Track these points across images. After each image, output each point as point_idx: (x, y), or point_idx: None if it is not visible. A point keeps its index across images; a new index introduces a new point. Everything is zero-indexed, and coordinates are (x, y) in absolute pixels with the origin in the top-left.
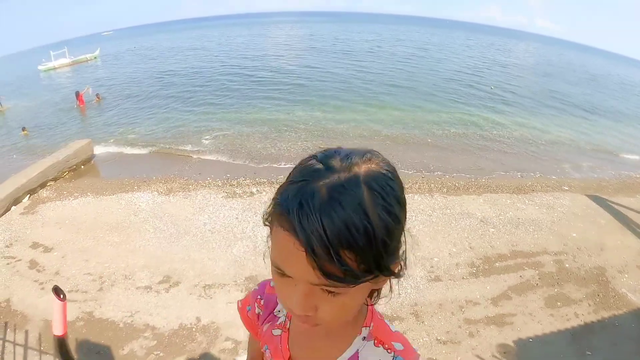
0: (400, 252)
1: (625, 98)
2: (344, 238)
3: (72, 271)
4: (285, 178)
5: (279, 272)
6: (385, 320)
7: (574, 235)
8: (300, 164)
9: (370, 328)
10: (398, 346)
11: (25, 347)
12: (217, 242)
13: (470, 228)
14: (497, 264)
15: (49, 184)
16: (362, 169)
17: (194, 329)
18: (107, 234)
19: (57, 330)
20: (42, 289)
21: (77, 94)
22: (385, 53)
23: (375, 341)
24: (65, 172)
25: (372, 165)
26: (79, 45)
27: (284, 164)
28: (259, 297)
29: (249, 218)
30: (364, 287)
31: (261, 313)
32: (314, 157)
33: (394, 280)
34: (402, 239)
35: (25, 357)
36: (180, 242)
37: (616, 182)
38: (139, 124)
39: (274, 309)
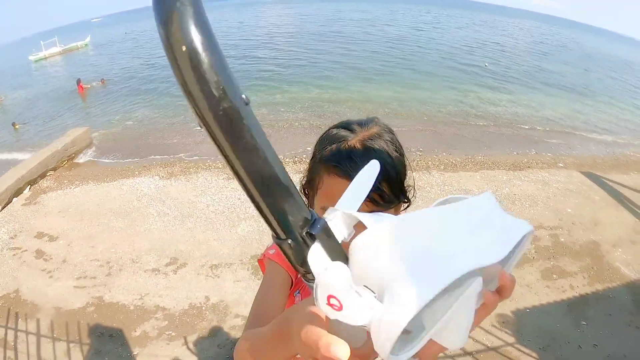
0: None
1: (622, 79)
2: (382, 173)
3: (79, 258)
4: (315, 149)
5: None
6: None
7: (569, 210)
8: (326, 133)
9: None
10: None
11: (38, 335)
12: (221, 223)
13: None
14: None
15: (49, 173)
16: (375, 129)
17: (203, 308)
18: (111, 220)
19: None
20: (51, 277)
21: (78, 82)
22: (378, 32)
23: None
24: (65, 161)
25: (381, 125)
26: (68, 34)
27: (282, 144)
28: None
29: None
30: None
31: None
32: (335, 127)
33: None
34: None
35: (39, 345)
36: (185, 225)
37: (610, 159)
38: (136, 110)
39: None
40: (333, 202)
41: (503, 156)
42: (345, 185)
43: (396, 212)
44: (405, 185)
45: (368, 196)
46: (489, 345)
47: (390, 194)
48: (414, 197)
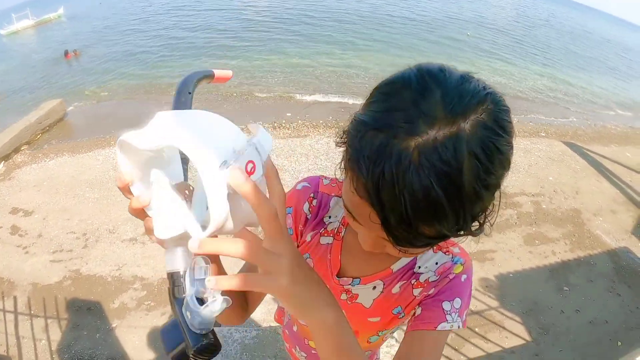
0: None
1: (606, 55)
2: (428, 215)
3: (55, 232)
4: (367, 102)
5: (349, 214)
6: None
7: (551, 178)
8: (386, 87)
9: None
10: (455, 250)
11: (15, 313)
12: None
13: None
14: None
15: (22, 148)
16: (469, 122)
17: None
18: (87, 191)
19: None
20: (26, 253)
21: (66, 53)
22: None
23: (435, 247)
24: (39, 134)
25: (483, 116)
26: (41, 5)
27: (259, 108)
28: (311, 195)
29: None
30: None
31: (309, 216)
32: (407, 81)
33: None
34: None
35: (17, 323)
36: None
37: (591, 131)
38: (111, 81)
39: (323, 213)
40: (354, 213)
41: None
42: (364, 209)
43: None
44: (477, 217)
45: (394, 237)
46: (472, 309)
47: (433, 236)
48: (480, 227)
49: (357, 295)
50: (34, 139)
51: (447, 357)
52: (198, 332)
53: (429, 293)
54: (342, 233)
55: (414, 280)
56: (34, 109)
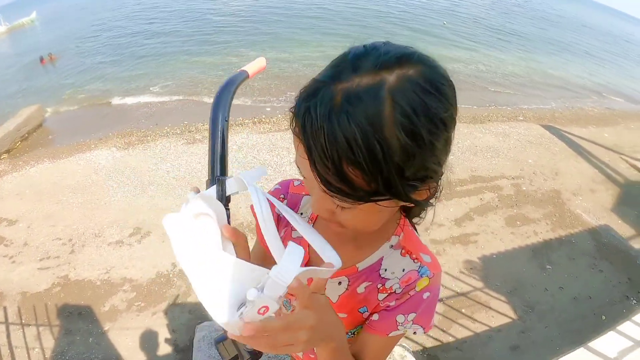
0: (432, 178)
1: (582, 40)
2: (345, 153)
3: (40, 239)
4: None
5: (299, 171)
6: (416, 233)
7: (530, 161)
8: (334, 60)
9: (400, 238)
10: (426, 258)
11: (7, 323)
12: (183, 189)
13: None
14: (458, 188)
15: (2, 157)
16: (394, 75)
17: (171, 275)
18: (71, 196)
19: None
20: (13, 262)
21: (41, 59)
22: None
23: (403, 250)
24: (18, 142)
25: (409, 72)
26: (12, 10)
27: (239, 105)
28: (281, 196)
29: None
30: (383, 207)
31: (281, 215)
32: (346, 53)
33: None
34: (438, 165)
35: (9, 334)
36: (146, 193)
37: (569, 113)
38: (88, 83)
39: (295, 211)
40: (297, 162)
41: (463, 110)
42: (300, 146)
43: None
44: (417, 178)
45: (322, 178)
46: (458, 291)
47: (365, 185)
48: (433, 197)
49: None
50: (14, 147)
51: (436, 339)
52: (250, 349)
53: (390, 304)
54: (311, 225)
55: (380, 284)
56: (11, 116)
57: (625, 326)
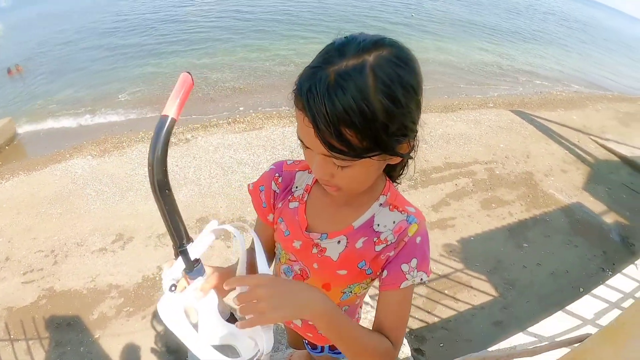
0: (410, 135)
1: (548, 27)
2: (343, 118)
3: (22, 253)
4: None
5: (302, 144)
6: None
7: (502, 145)
8: (321, 50)
9: (387, 196)
10: (411, 209)
11: None
12: None
13: None
14: (433, 175)
15: None
16: (372, 55)
17: (157, 278)
18: (49, 207)
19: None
20: None
21: (9, 70)
22: None
23: (391, 206)
24: None
25: (384, 53)
26: None
27: (212, 107)
28: (276, 175)
29: (188, 163)
30: (373, 162)
31: (278, 191)
32: (332, 43)
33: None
34: (413, 123)
35: None
36: (125, 199)
37: (537, 98)
38: (58, 91)
39: (290, 186)
40: (301, 134)
41: (434, 100)
42: (303, 120)
43: (391, 162)
44: (398, 134)
45: (325, 141)
46: (439, 273)
47: (359, 143)
48: (413, 150)
49: (326, 249)
50: None
51: (421, 320)
52: None
53: (390, 255)
54: (306, 198)
55: (375, 238)
56: None
57: (600, 290)
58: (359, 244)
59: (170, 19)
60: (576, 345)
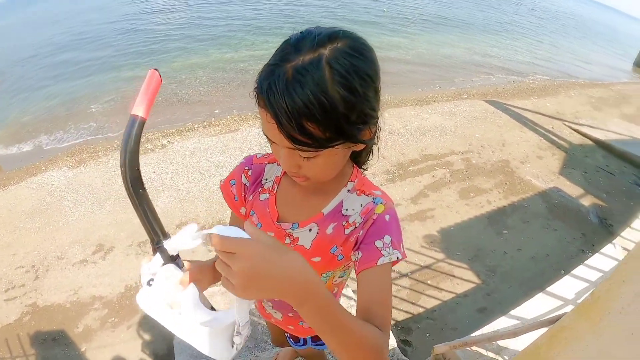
0: (371, 121)
1: (517, 18)
2: (303, 112)
3: (2, 270)
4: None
5: (268, 139)
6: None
7: (477, 135)
8: (278, 47)
9: (355, 183)
10: (377, 192)
11: None
12: None
13: (380, 141)
14: (410, 168)
15: None
16: (328, 49)
17: (140, 287)
18: (27, 222)
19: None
20: None
21: None
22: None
23: (358, 191)
24: None
25: (339, 45)
26: None
27: (187, 111)
28: (246, 168)
29: (166, 169)
30: (338, 150)
31: (248, 184)
32: (288, 40)
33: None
34: (373, 110)
35: None
36: (104, 209)
37: (511, 87)
38: (31, 103)
39: (260, 178)
40: (265, 130)
41: (408, 94)
42: (266, 116)
43: (356, 149)
44: (359, 122)
45: (288, 135)
46: (422, 264)
47: (322, 134)
48: (376, 136)
49: (298, 238)
50: None
51: (406, 311)
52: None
53: (360, 235)
54: (275, 189)
55: (344, 222)
56: None
57: (579, 270)
58: (329, 230)
59: (139, 29)
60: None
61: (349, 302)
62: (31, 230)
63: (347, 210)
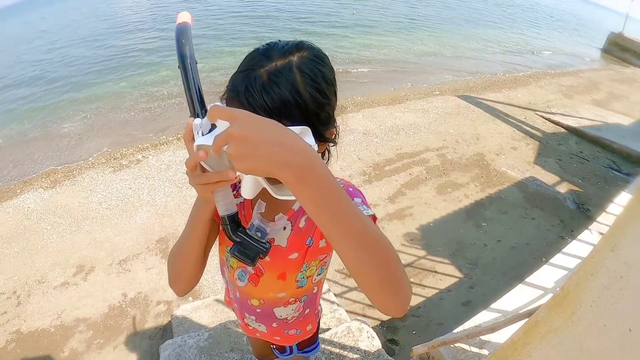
0: (333, 122)
1: (483, 10)
2: (282, 110)
3: None
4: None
5: None
6: None
7: (451, 131)
8: (246, 56)
9: None
10: (339, 181)
11: None
12: (118, 217)
13: (355, 142)
14: (386, 167)
15: None
16: (296, 57)
17: (123, 306)
18: (4, 247)
19: None
20: None
21: None
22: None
23: None
24: None
25: (304, 54)
26: None
27: (162, 123)
28: None
29: (142, 184)
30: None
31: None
32: (256, 49)
33: (333, 149)
34: (333, 111)
35: None
36: (82, 229)
37: (482, 81)
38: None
39: (235, 183)
40: None
41: (381, 93)
42: None
43: (319, 150)
44: (326, 122)
45: None
46: (403, 263)
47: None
48: (337, 137)
49: (274, 238)
50: None
51: None
52: (264, 241)
53: None
54: None
55: None
56: None
57: (557, 258)
58: (302, 223)
59: (107, 45)
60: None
61: (331, 306)
62: (9, 255)
63: None
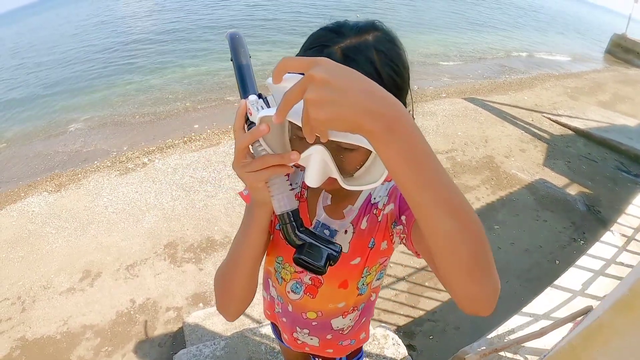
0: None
1: (488, 13)
2: None
3: None
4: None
5: (295, 138)
6: None
7: (459, 133)
8: (312, 35)
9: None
10: None
11: None
12: (125, 221)
13: None
14: None
15: None
16: (371, 36)
17: (132, 312)
18: (9, 252)
19: None
20: None
21: None
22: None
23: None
24: None
25: (379, 34)
26: None
27: (168, 126)
28: None
29: (149, 188)
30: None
31: None
32: (324, 28)
33: None
34: (408, 99)
35: None
36: (88, 233)
37: (488, 84)
38: (4, 128)
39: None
40: None
41: None
42: None
43: None
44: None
45: None
46: (417, 267)
47: None
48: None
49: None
50: None
51: (407, 315)
52: (334, 241)
53: (392, 207)
54: (305, 195)
55: (375, 210)
56: None
57: (583, 260)
58: (363, 224)
59: (110, 49)
60: (580, 318)
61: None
62: (14, 260)
63: (374, 198)
